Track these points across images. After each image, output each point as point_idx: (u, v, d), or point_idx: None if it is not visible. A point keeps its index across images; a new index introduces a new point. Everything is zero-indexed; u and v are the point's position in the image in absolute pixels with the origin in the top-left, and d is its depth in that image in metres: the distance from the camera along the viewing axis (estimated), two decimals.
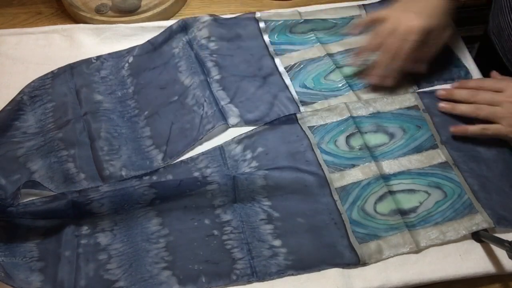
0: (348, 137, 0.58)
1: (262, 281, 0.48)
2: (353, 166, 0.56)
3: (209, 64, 0.64)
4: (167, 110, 0.61)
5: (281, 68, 0.65)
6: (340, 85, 0.64)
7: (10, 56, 0.66)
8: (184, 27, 0.68)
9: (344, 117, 0.60)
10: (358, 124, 0.59)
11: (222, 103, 0.60)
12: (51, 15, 0.74)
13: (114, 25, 0.69)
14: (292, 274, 0.49)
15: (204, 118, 0.59)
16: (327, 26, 0.69)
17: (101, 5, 0.74)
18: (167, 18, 0.74)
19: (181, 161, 0.57)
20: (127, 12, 0.73)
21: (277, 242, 0.51)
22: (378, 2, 0.73)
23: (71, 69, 0.64)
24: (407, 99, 0.62)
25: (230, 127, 0.59)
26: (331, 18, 0.70)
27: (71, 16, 0.73)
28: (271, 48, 0.67)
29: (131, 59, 0.66)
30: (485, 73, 0.65)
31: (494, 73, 0.61)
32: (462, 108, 0.58)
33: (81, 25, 0.70)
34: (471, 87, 0.59)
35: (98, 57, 0.66)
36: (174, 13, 0.75)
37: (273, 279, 0.48)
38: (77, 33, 0.68)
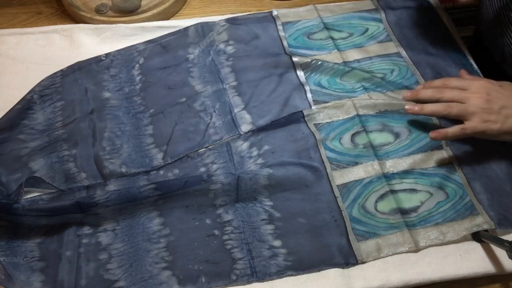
0: (353, 135, 0.58)
1: (262, 281, 0.49)
2: (356, 164, 0.56)
3: (226, 70, 0.65)
4: (173, 111, 0.61)
5: (297, 64, 0.65)
6: (356, 86, 0.63)
7: (10, 56, 0.66)
8: (202, 31, 0.68)
9: (351, 115, 0.60)
10: (364, 123, 0.59)
11: (236, 110, 0.61)
12: (51, 15, 0.74)
13: (114, 25, 0.69)
14: (292, 275, 0.49)
15: (211, 127, 0.59)
16: (343, 36, 0.69)
17: (101, 5, 0.74)
18: (167, 18, 0.74)
19: (188, 155, 0.57)
20: (127, 12, 0.73)
21: (277, 243, 0.51)
22: None
23: (80, 67, 0.65)
24: None
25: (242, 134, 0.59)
26: (347, 23, 0.70)
27: (71, 16, 0.73)
28: (287, 51, 0.67)
29: (141, 60, 0.66)
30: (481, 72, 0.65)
31: (462, 72, 0.60)
32: (432, 108, 0.55)
33: (81, 25, 0.70)
34: (436, 86, 0.58)
35: (107, 55, 0.66)
36: (174, 13, 0.75)
37: (272, 279, 0.49)
38: (77, 33, 0.68)
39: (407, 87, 0.63)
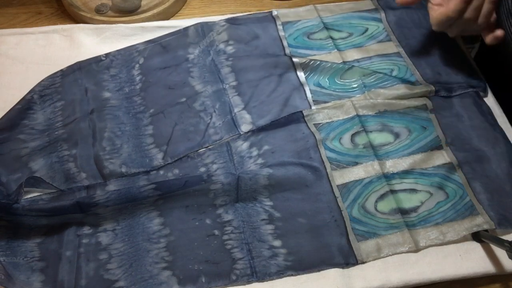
0: (353, 135, 0.58)
1: (262, 281, 0.49)
2: (356, 164, 0.56)
3: (226, 70, 0.65)
4: (173, 111, 0.61)
5: (297, 65, 0.65)
6: (355, 85, 0.63)
7: (10, 56, 0.66)
8: (202, 31, 0.68)
9: (350, 116, 0.60)
10: (363, 123, 0.59)
11: (236, 110, 0.61)
12: (51, 15, 0.74)
13: (114, 25, 0.69)
14: (292, 275, 0.49)
15: (211, 127, 0.59)
16: (342, 36, 0.69)
17: (101, 5, 0.74)
18: (167, 18, 0.74)
19: (188, 155, 0.57)
20: (127, 12, 0.73)
21: (277, 243, 0.51)
22: None
23: (80, 67, 0.65)
24: (416, 98, 0.62)
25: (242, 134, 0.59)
26: (346, 23, 0.70)
27: (71, 16, 0.73)
28: (287, 51, 0.67)
29: (141, 60, 0.66)
30: (486, 74, 0.65)
31: None
32: None
33: (81, 25, 0.70)
34: None
35: (107, 55, 0.66)
36: (174, 13, 0.75)
37: (272, 279, 0.48)
38: (77, 33, 0.68)
39: (408, 82, 0.63)
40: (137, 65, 0.66)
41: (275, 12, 0.72)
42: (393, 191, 0.54)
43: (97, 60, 0.66)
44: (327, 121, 0.60)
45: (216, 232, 0.51)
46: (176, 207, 0.53)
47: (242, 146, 0.58)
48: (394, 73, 0.65)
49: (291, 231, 0.51)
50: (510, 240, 0.46)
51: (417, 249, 0.50)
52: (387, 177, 0.55)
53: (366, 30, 0.70)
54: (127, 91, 0.63)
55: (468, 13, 0.56)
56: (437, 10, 0.58)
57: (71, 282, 0.48)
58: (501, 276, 0.50)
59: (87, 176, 0.55)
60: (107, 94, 0.63)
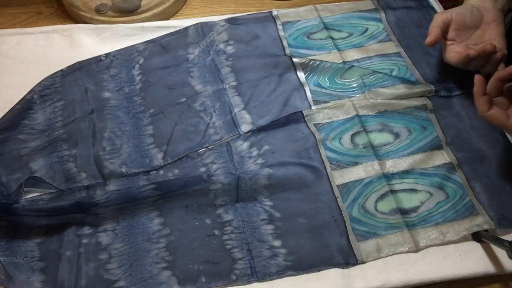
0: (353, 135, 0.58)
1: (262, 281, 0.48)
2: (356, 164, 0.56)
3: (226, 70, 0.65)
4: (173, 111, 0.61)
5: (297, 65, 0.65)
6: (355, 85, 0.63)
7: (10, 56, 0.66)
8: (202, 31, 0.68)
9: (350, 116, 0.60)
10: (363, 123, 0.59)
11: (236, 110, 0.61)
12: (51, 15, 0.74)
13: (114, 25, 0.69)
14: (292, 275, 0.49)
15: (211, 127, 0.59)
16: (342, 36, 0.70)
17: (101, 5, 0.74)
18: (167, 18, 0.74)
19: (188, 155, 0.57)
20: (127, 12, 0.73)
21: (277, 243, 0.51)
22: None
23: (80, 67, 0.65)
24: (416, 98, 0.62)
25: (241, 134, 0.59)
26: (346, 22, 0.70)
27: (71, 16, 0.73)
28: (287, 51, 0.67)
29: (141, 60, 0.66)
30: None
31: None
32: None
33: (81, 25, 0.70)
34: None
35: (107, 55, 0.66)
36: (174, 13, 0.75)
37: (272, 279, 0.48)
38: (77, 33, 0.68)
39: (408, 81, 0.63)
40: (137, 65, 0.66)
41: (275, 12, 0.72)
42: (393, 191, 0.54)
43: (97, 60, 0.66)
44: (327, 121, 0.60)
45: (216, 232, 0.51)
46: (176, 207, 0.53)
47: (242, 146, 0.58)
48: (394, 73, 0.65)
49: (291, 231, 0.51)
50: (510, 240, 0.46)
51: (417, 249, 0.50)
52: (387, 177, 0.55)
53: (366, 30, 0.70)
54: (127, 91, 0.63)
55: (473, 65, 0.58)
56: (450, 49, 0.59)
57: (71, 282, 0.48)
58: (501, 276, 0.50)
59: (87, 176, 0.55)
60: (107, 94, 0.63)
